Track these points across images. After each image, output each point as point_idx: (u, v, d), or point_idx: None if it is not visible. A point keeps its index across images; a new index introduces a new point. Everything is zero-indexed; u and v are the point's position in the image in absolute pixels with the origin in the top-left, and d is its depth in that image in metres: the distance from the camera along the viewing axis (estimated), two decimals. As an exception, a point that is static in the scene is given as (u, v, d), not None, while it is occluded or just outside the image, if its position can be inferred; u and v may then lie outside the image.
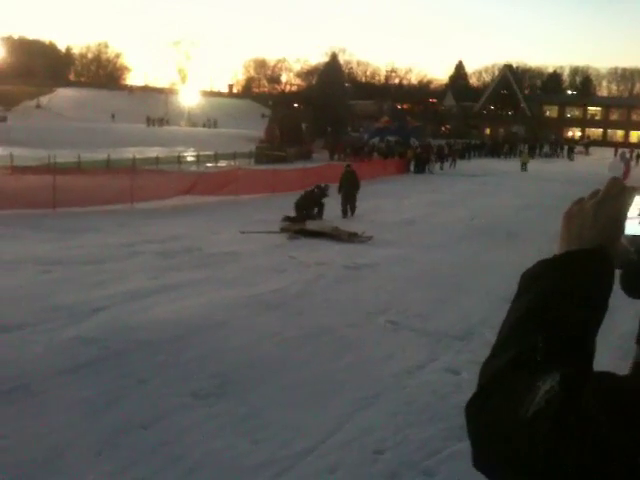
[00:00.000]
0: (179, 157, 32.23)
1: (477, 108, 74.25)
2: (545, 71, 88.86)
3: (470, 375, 4.82)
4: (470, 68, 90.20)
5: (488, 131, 70.89)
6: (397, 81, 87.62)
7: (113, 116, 63.24)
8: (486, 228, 13.58)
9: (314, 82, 68.02)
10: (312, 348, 5.89)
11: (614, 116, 74.28)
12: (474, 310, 7.20)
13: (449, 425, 4.27)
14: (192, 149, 38.23)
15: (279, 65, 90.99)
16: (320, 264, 9.56)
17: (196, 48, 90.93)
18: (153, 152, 32.19)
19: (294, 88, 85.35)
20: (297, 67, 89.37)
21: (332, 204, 14.62)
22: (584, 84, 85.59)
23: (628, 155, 36.48)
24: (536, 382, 0.63)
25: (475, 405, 0.67)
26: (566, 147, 52.55)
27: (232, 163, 32.67)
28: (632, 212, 0.76)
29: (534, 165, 35.82)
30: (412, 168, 31.04)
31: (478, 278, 8.95)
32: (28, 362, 5.19)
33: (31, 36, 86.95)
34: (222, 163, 33.21)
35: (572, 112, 76.61)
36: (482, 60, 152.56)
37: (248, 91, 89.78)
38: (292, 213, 13.59)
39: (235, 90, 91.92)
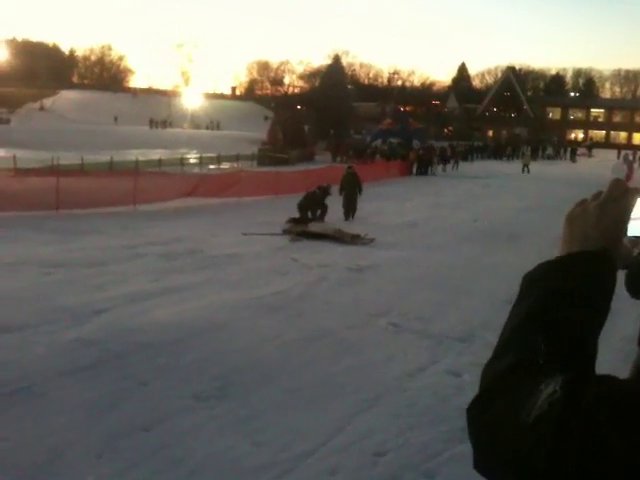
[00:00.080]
0: (182, 159, 32.29)
1: (480, 110, 74.26)
2: (548, 73, 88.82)
3: (471, 377, 4.81)
4: (473, 70, 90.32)
5: (491, 133, 70.86)
6: (400, 83, 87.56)
7: (116, 119, 63.40)
8: (488, 230, 13.57)
9: (317, 84, 68.14)
10: (313, 350, 5.89)
11: (617, 118, 74.22)
12: (476, 312, 7.19)
13: (450, 427, 4.27)
14: (195, 151, 38.31)
15: (282, 67, 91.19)
16: (322, 266, 9.56)
17: (199, 50, 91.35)
18: (156, 154, 32.26)
19: (297, 90, 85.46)
20: (300, 69, 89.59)
21: (334, 206, 14.63)
22: (587, 86, 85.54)
23: (631, 157, 36.37)
24: (538, 385, 0.62)
25: (477, 408, 0.67)
26: (569, 149, 52.50)
27: (235, 165, 32.70)
28: (635, 213, 0.76)
29: (536, 167, 35.79)
30: (415, 170, 31.05)
31: (480, 280, 8.94)
32: (29, 364, 5.19)
33: (35, 38, 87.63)
34: (225, 165, 33.24)
35: (575, 114, 76.57)
36: (485, 62, 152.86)
37: (251, 93, 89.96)
38: (295, 215, 13.60)
39: (238, 92, 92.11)
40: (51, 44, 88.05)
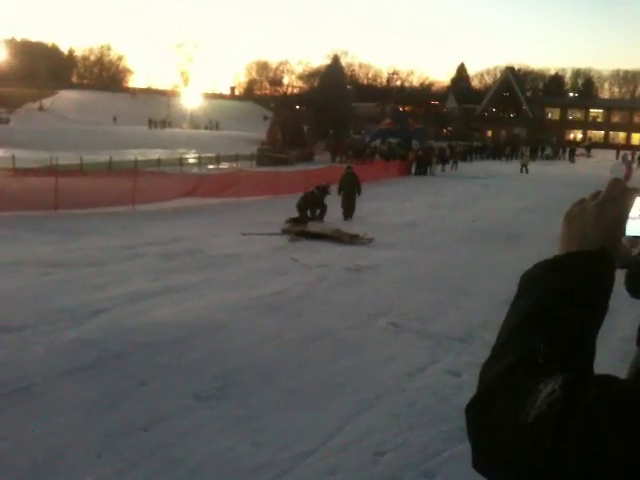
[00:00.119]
0: (181, 159, 32.28)
1: (479, 110, 74.25)
2: (547, 73, 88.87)
3: (471, 377, 4.81)
4: (472, 70, 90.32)
5: (490, 133, 70.85)
6: (399, 83, 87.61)
7: (115, 119, 63.35)
8: (487, 231, 13.57)
9: (316, 84, 68.09)
10: (313, 350, 5.89)
11: (616, 118, 74.21)
12: (475, 312, 7.20)
13: (450, 427, 4.27)
14: (194, 151, 38.28)
15: (281, 67, 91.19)
16: (321, 266, 9.56)
17: (198, 50, 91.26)
18: (155, 154, 32.23)
19: (296, 90, 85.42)
20: (299, 69, 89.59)
21: (333, 206, 14.63)
22: (586, 86, 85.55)
23: (630, 157, 36.36)
24: (537, 385, 0.63)
25: (476, 407, 0.67)
26: (568, 149, 52.50)
27: (234, 165, 32.69)
28: (633, 213, 0.76)
29: (535, 167, 35.79)
30: (414, 170, 31.05)
31: (479, 281, 8.94)
32: (29, 364, 5.19)
33: (34, 38, 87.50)
34: (224, 165, 33.22)
35: (574, 114, 76.56)
36: (484, 62, 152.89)
37: (250, 93, 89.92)
38: (294, 215, 13.61)
39: (237, 92, 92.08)
40: (50, 44, 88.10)
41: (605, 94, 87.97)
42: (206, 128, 64.84)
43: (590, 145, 59.61)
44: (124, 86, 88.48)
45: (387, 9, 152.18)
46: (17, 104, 65.11)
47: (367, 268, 9.57)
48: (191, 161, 33.99)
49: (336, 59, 62.60)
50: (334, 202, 14.82)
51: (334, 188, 15.13)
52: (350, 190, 15.26)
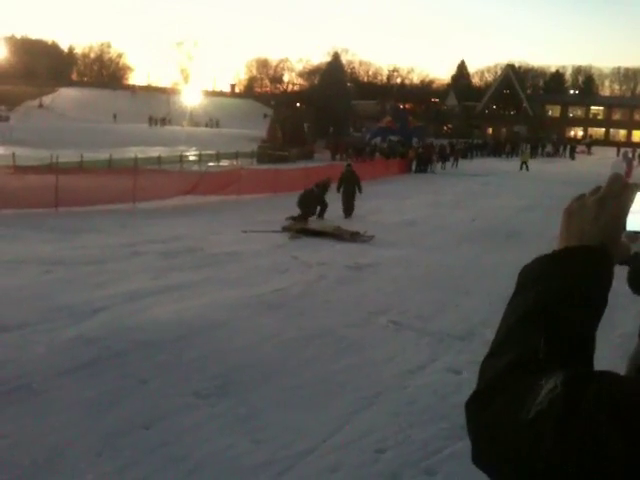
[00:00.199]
0: (181, 157, 32.27)
1: (479, 108, 74.21)
2: (547, 71, 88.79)
3: (471, 375, 4.81)
4: (472, 68, 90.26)
5: (490, 131, 70.83)
6: (399, 81, 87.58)
7: (115, 116, 63.32)
8: (487, 229, 13.57)
9: (316, 82, 68.09)
10: (313, 349, 5.89)
11: (617, 116, 74.19)
12: (475, 311, 7.20)
13: (450, 425, 4.27)
14: (194, 149, 38.29)
15: (281, 65, 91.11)
16: (322, 264, 9.56)
17: (198, 48, 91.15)
18: (155, 152, 32.23)
19: (296, 88, 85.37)
20: (299, 67, 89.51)
21: (333, 204, 14.63)
22: (587, 84, 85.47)
23: (630, 155, 36.33)
24: (538, 382, 0.62)
25: (476, 403, 0.67)
26: (568, 147, 52.47)
27: (234, 163, 32.71)
28: (634, 208, 0.76)
29: (535, 165, 35.78)
30: (414, 168, 31.04)
31: (479, 279, 8.95)
32: (29, 362, 5.19)
33: (34, 36, 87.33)
34: (224, 163, 33.25)
35: (574, 112, 76.53)
36: (484, 60, 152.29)
37: (250, 91, 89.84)
38: (294, 213, 13.60)
39: (237, 90, 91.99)
40: (50, 41, 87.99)
41: (606, 91, 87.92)
42: (206, 126, 64.81)
43: (591, 143, 59.61)
44: (124, 84, 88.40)
45: (387, 9, 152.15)
46: (17, 102, 65.07)
47: (367, 266, 9.57)
48: (191, 159, 34.00)
49: (336, 57, 62.55)
50: (334, 200, 14.81)
51: (334, 186, 15.13)
52: (350, 188, 15.26)
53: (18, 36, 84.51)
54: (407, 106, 66.96)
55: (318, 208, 14.28)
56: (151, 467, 3.77)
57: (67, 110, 66.12)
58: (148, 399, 4.66)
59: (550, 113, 75.90)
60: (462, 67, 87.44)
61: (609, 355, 4.42)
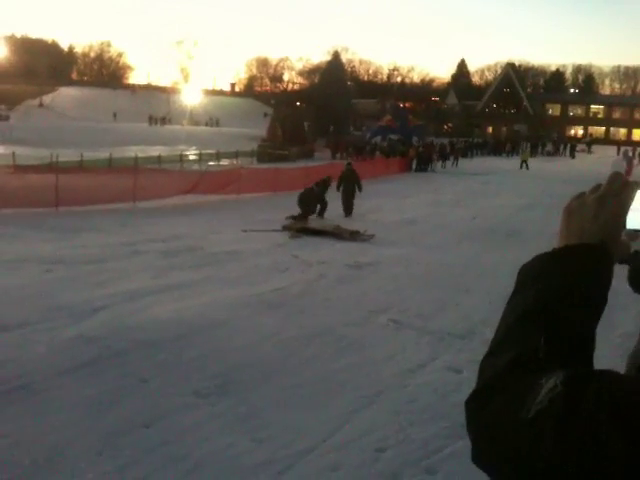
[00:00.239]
0: (181, 156, 32.26)
1: (479, 106, 74.16)
2: (548, 69, 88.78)
3: (471, 374, 4.80)
4: (472, 67, 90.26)
5: (490, 130, 70.80)
6: (399, 80, 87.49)
7: (115, 115, 63.29)
8: (487, 228, 13.57)
9: (316, 81, 68.09)
10: (313, 348, 5.89)
11: (617, 114, 74.15)
12: (475, 309, 7.20)
13: (451, 423, 4.27)
14: (194, 148, 38.29)
15: (281, 64, 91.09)
16: (322, 263, 9.56)
17: (198, 47, 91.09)
18: (155, 151, 32.23)
19: (296, 87, 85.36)
20: (299, 66, 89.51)
21: (333, 202, 14.63)
22: (587, 82, 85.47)
23: (631, 153, 36.32)
24: (538, 381, 0.62)
25: (475, 402, 0.67)
26: (568, 145, 52.44)
27: (234, 162, 32.71)
28: (633, 207, 0.76)
29: (536, 164, 35.77)
30: (414, 167, 31.03)
31: (479, 278, 8.95)
32: (29, 361, 5.19)
33: (34, 35, 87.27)
34: (224, 162, 33.24)
35: (575, 110, 76.50)
36: (484, 59, 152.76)
37: (250, 90, 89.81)
38: (294, 212, 13.61)
39: (237, 89, 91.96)
40: (50, 40, 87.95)
41: (606, 90, 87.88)
42: (206, 125, 64.81)
43: (591, 141, 59.59)
44: (124, 83, 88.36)
45: (387, 9, 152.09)
46: (17, 101, 65.04)
47: (367, 265, 9.57)
48: (191, 158, 33.99)
49: (336, 55, 62.52)
50: (334, 199, 14.82)
51: (334, 184, 15.13)
52: (350, 187, 15.26)
53: (18, 35, 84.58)
54: (407, 105, 66.95)
55: (318, 207, 14.28)
56: (151, 466, 3.77)
57: (67, 109, 66.10)
58: (148, 398, 4.66)
59: (550, 112, 75.84)
60: (462, 66, 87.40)
61: (609, 354, 4.42)
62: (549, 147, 53.35)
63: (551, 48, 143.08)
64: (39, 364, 5.14)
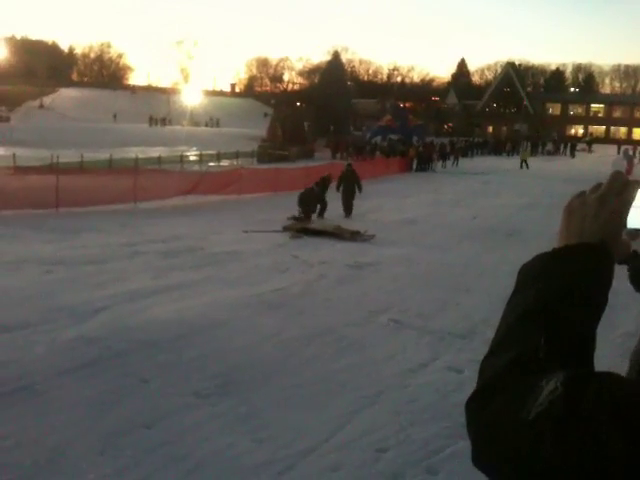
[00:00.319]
0: (181, 157, 32.23)
1: (480, 106, 74.14)
2: (548, 69, 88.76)
3: (472, 373, 4.80)
4: (472, 66, 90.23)
5: (491, 129, 70.79)
6: (399, 79, 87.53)
7: (115, 116, 63.30)
8: (488, 227, 13.57)
9: (316, 81, 68.12)
10: (314, 348, 5.89)
11: (617, 113, 74.10)
12: (476, 309, 7.19)
13: (452, 423, 4.27)
14: (194, 148, 38.28)
15: (281, 64, 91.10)
16: (322, 263, 9.56)
17: (198, 48, 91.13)
18: (155, 152, 32.21)
19: (296, 87, 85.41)
20: (299, 66, 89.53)
21: (333, 202, 14.63)
22: (587, 81, 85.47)
23: (631, 152, 36.29)
24: (539, 382, 0.62)
25: (476, 402, 0.67)
26: (569, 145, 52.40)
27: (234, 162, 32.71)
28: (634, 205, 0.75)
29: (536, 163, 35.76)
30: (414, 167, 31.03)
31: (479, 277, 8.95)
32: (30, 362, 5.20)
33: (34, 36, 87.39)
34: (224, 162, 33.24)
35: (575, 109, 76.46)
36: (484, 58, 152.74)
37: (250, 90, 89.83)
38: (295, 212, 13.61)
39: (237, 89, 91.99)
40: (50, 42, 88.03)
41: (606, 89, 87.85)
42: (206, 125, 64.80)
43: (591, 140, 59.53)
44: (124, 84, 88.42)
45: (387, 9, 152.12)
46: (17, 102, 65.03)
47: (368, 265, 9.57)
48: (192, 159, 33.97)
49: (336, 55, 62.57)
50: (334, 199, 14.82)
51: (334, 184, 15.14)
52: (350, 187, 15.25)
53: (18, 37, 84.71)
54: (407, 105, 66.90)
55: (318, 207, 14.28)
56: (152, 466, 3.77)
57: (67, 110, 66.09)
58: (149, 399, 4.66)
59: (550, 111, 75.82)
60: (462, 65, 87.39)
61: (610, 354, 4.41)
62: (549, 146, 53.29)
63: (551, 47, 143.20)
64: (40, 365, 5.14)
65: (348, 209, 14.97)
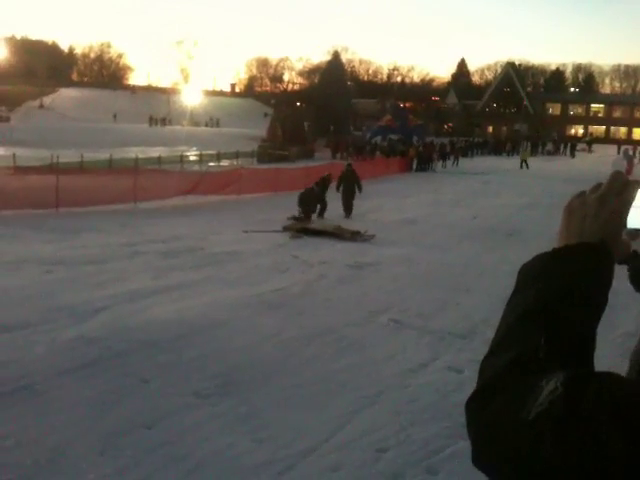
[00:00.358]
0: (181, 157, 32.21)
1: (480, 106, 74.13)
2: (548, 68, 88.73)
3: (472, 373, 4.80)
4: (472, 66, 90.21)
5: (491, 129, 70.77)
6: (399, 79, 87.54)
7: (115, 116, 63.30)
8: (488, 227, 13.57)
9: (316, 81, 68.12)
10: (314, 348, 5.89)
11: (617, 113, 74.07)
12: (476, 309, 7.19)
13: (452, 423, 4.27)
14: (194, 149, 38.27)
15: (281, 64, 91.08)
16: (322, 263, 9.56)
17: (198, 48, 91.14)
18: (155, 152, 32.19)
19: (296, 87, 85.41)
20: (299, 66, 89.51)
21: (333, 202, 14.63)
22: (587, 81, 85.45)
23: (631, 152, 36.28)
24: (539, 382, 0.62)
25: (476, 403, 0.67)
26: (569, 145, 52.38)
27: (234, 162, 32.70)
28: (635, 205, 0.75)
29: (536, 163, 35.76)
30: (414, 167, 31.03)
31: (480, 277, 8.95)
32: (30, 362, 5.20)
33: (34, 36, 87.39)
34: (224, 162, 33.23)
35: (575, 109, 76.43)
36: (484, 58, 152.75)
37: (250, 90, 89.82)
38: (295, 212, 13.61)
39: (237, 89, 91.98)
40: (50, 42, 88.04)
41: (606, 89, 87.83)
42: (206, 125, 64.79)
43: (591, 140, 59.51)
44: (124, 84, 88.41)
45: (387, 9, 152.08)
46: (17, 102, 65.02)
47: (368, 265, 9.57)
48: (192, 159, 33.95)
49: (336, 55, 62.56)
50: (334, 199, 14.82)
51: (333, 184, 15.14)
52: (349, 187, 15.25)
53: (18, 37, 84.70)
54: (407, 105, 66.87)
55: (318, 207, 14.28)
56: (152, 466, 3.77)
57: (67, 110, 66.07)
58: (149, 399, 4.66)
59: (550, 111, 75.79)
60: (462, 65, 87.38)
61: (610, 354, 4.42)
62: (549, 146, 53.28)
63: (551, 47, 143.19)
64: (40, 365, 5.14)
65: (348, 209, 14.97)
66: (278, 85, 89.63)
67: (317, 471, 3.81)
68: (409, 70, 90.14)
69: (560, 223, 0.78)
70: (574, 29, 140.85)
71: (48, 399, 4.56)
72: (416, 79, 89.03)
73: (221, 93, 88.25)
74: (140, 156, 26.89)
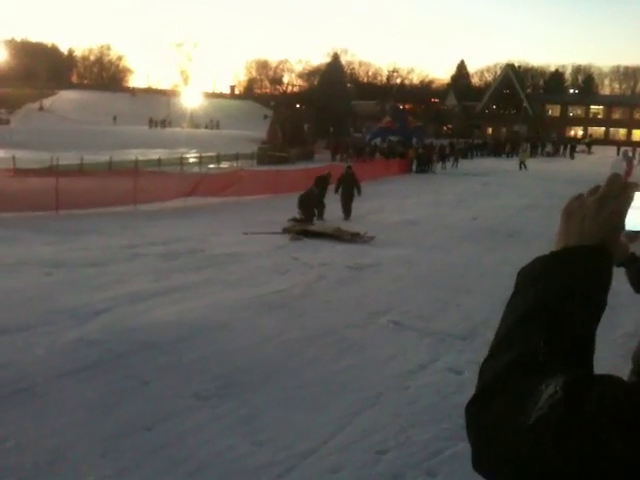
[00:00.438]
0: (181, 159, 32.20)
1: (479, 107, 74.17)
2: (547, 70, 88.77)
3: (472, 375, 4.79)
4: (472, 68, 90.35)
5: (490, 130, 70.81)
6: (399, 81, 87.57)
7: (115, 118, 63.34)
8: (488, 228, 13.57)
9: (316, 83, 68.14)
10: (314, 349, 5.89)
11: (616, 115, 74.06)
12: (476, 310, 7.19)
13: (452, 425, 4.26)
14: (194, 150, 38.27)
15: (281, 66, 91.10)
16: (323, 265, 9.56)
17: (198, 50, 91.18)
18: (155, 154, 32.20)
19: (296, 89, 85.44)
20: (299, 68, 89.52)
21: (332, 204, 14.64)
22: (586, 83, 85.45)
23: (630, 154, 36.29)
24: (539, 386, 0.62)
25: (476, 406, 0.67)
26: (568, 146, 52.40)
27: (234, 164, 32.69)
28: (633, 207, 0.76)
29: (535, 164, 35.79)
30: (414, 168, 31.04)
31: (480, 278, 8.94)
32: (30, 364, 5.20)
33: (34, 39, 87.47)
34: (224, 164, 33.22)
35: (574, 111, 76.44)
36: (484, 60, 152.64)
37: (250, 92, 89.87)
38: (295, 214, 13.61)
39: (237, 91, 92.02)
40: (50, 44, 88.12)
41: (605, 90, 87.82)
42: (206, 127, 64.83)
43: (591, 142, 59.52)
44: (124, 86, 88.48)
45: (387, 9, 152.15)
46: (17, 104, 65.06)
47: (368, 266, 9.57)
48: (192, 161, 33.94)
49: (336, 57, 62.65)
50: (333, 201, 14.82)
51: (332, 186, 15.14)
52: (349, 189, 15.24)
53: (18, 39, 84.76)
54: (407, 106, 66.88)
55: (317, 208, 14.28)
56: (153, 469, 3.77)
57: (67, 112, 66.11)
58: (150, 401, 4.66)
59: (550, 112, 75.79)
60: (462, 67, 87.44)
61: (610, 355, 4.42)
62: (549, 148, 53.31)
63: (551, 48, 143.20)
64: (40, 367, 5.14)
65: (347, 212, 14.96)
66: (278, 87, 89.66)
67: (317, 473, 3.80)
68: (409, 72, 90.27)
69: (559, 225, 0.78)
70: (574, 30, 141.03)
71: (48, 401, 4.56)
72: (415, 81, 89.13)
73: (221, 95, 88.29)
74: (140, 158, 26.90)
